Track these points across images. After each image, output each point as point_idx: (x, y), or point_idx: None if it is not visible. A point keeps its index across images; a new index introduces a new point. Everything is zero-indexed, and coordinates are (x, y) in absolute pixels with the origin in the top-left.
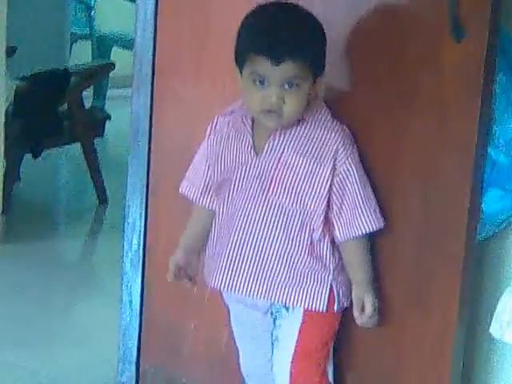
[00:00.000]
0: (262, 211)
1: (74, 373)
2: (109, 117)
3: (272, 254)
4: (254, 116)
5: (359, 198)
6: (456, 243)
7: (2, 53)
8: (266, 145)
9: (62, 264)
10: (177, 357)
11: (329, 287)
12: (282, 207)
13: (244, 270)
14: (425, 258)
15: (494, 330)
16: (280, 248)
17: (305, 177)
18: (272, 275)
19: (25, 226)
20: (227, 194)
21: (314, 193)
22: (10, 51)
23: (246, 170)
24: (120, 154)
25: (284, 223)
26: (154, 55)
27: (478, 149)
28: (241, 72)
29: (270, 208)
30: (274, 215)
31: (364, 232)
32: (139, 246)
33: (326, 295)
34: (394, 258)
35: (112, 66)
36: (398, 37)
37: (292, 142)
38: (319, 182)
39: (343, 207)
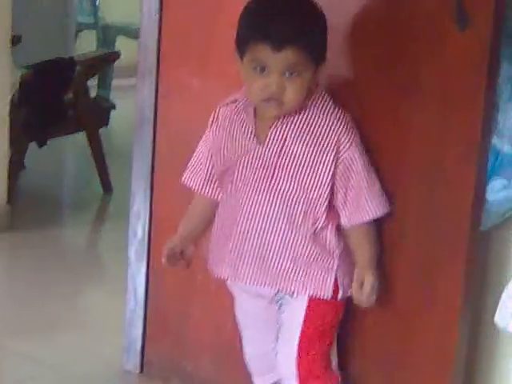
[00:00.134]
0: (265, 200)
1: (78, 361)
2: (114, 106)
3: (276, 243)
4: (256, 104)
5: (364, 184)
6: (460, 232)
7: (7, 42)
8: (269, 134)
9: (67, 253)
10: (182, 346)
11: (334, 275)
12: (286, 195)
13: (248, 259)
14: (430, 248)
15: (499, 319)
16: (284, 236)
17: (308, 165)
18: (276, 264)
19: (30, 215)
20: (230, 184)
21: (317, 181)
22: (15, 40)
23: (248, 159)
24: (125, 144)
25: (287, 211)
26: (159, 44)
27: (483, 138)
28: (242, 60)
29: (273, 196)
30: (278, 203)
31: (370, 218)
32: (144, 234)
33: (331, 283)
34: (398, 248)
35: (117, 55)
36: (401, 26)
37: (294, 131)
38: (322, 169)
39: (348, 194)
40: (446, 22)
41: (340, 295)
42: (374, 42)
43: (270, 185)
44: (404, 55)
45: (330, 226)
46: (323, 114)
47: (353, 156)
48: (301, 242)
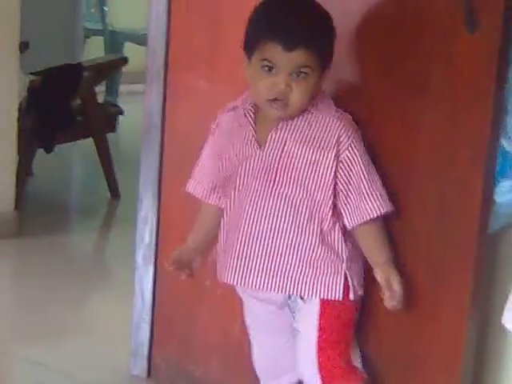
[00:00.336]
0: (269, 204)
1: (85, 366)
2: (122, 112)
3: (283, 247)
4: (260, 105)
5: (364, 183)
6: (469, 234)
7: (16, 48)
8: (269, 137)
9: (74, 258)
10: (189, 350)
11: (343, 276)
12: (289, 198)
13: (255, 265)
14: (438, 249)
15: (506, 320)
16: (290, 239)
17: (309, 166)
18: (284, 268)
19: (38, 221)
20: (234, 189)
21: (319, 181)
22: (23, 47)
23: (250, 163)
24: (133, 149)
25: (292, 214)
26: (166, 50)
27: (491, 140)
28: (250, 59)
29: (277, 200)
30: (282, 207)
31: (371, 217)
32: (151, 239)
33: (341, 284)
34: (408, 250)
35: (125, 61)
36: (410, 27)
37: (294, 132)
38: (323, 170)
39: (349, 194)
40: (455, 24)
41: (351, 295)
42: (383, 44)
43: (272, 189)
44: (413, 57)
45: (336, 227)
46: (323, 115)
47: (353, 155)
48: (308, 244)
